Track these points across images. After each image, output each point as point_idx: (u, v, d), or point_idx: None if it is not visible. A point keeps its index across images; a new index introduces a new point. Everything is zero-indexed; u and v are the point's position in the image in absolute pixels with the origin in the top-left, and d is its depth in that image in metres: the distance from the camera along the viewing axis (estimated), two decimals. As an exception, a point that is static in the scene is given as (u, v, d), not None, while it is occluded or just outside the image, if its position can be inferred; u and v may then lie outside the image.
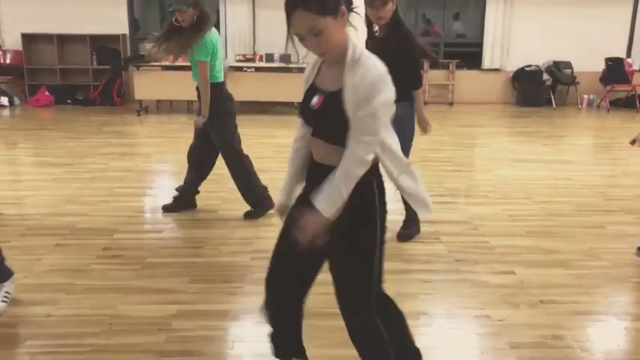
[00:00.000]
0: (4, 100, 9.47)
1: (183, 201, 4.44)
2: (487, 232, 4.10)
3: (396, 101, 1.80)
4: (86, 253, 3.63)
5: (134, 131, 7.94)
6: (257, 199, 4.35)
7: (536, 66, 10.21)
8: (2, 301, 2.88)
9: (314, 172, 1.97)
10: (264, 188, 4.38)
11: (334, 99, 1.77)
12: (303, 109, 1.92)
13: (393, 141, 1.90)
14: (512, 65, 10.37)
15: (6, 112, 9.23)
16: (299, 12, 1.69)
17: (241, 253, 3.68)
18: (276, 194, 2.11)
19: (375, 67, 1.74)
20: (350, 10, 1.77)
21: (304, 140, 2.01)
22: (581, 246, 3.85)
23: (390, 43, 3.43)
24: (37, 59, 9.95)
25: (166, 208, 4.42)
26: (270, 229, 3.98)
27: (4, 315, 2.84)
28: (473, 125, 8.60)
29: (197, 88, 4.16)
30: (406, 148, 3.58)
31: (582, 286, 3.26)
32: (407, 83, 3.45)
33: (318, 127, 1.90)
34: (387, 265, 3.40)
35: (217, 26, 10.16)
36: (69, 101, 9.82)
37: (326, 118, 1.83)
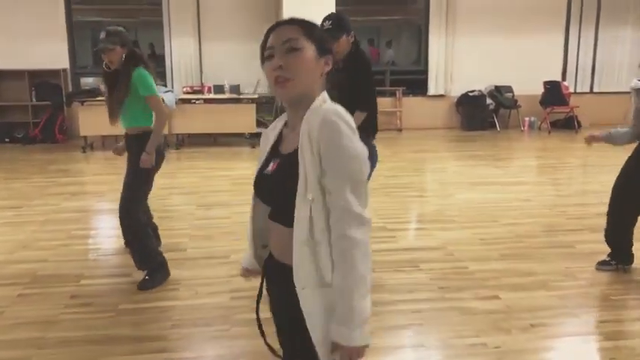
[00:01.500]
0: (-64, 141, 8.92)
1: None
2: (463, 257, 4.11)
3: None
4: (53, 303, 3.39)
5: (81, 169, 7.63)
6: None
7: (479, 91, 10.52)
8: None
9: (272, 271, 1.64)
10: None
11: (292, 160, 1.47)
12: (257, 181, 1.63)
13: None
14: (456, 91, 10.65)
15: (-62, 154, 8.68)
16: (283, 27, 1.51)
17: (220, 293, 3.53)
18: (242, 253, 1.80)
19: (338, 112, 1.45)
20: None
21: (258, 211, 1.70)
22: (556, 266, 3.91)
23: (349, 72, 3.36)
24: (-29, 97, 9.46)
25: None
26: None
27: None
28: (425, 150, 8.74)
29: (127, 135, 3.78)
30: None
31: (568, 307, 3.30)
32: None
33: (276, 203, 1.58)
34: (372, 297, 3.36)
35: (163, 59, 10.02)
36: (7, 140, 9.35)
37: (282, 187, 1.51)
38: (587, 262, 3.95)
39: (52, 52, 9.58)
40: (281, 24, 1.53)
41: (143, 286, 3.60)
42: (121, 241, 4.35)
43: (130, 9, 10.84)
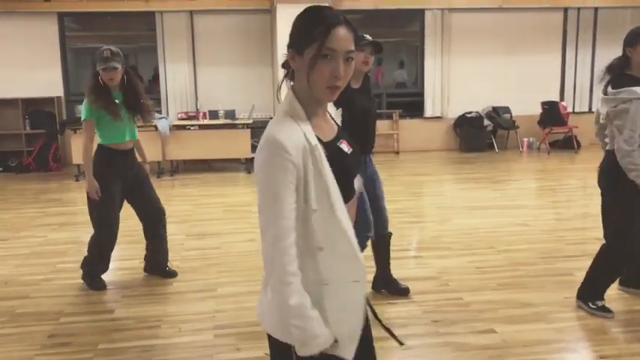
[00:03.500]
0: None
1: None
2: (458, 287, 3.97)
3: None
4: (29, 343, 3.26)
5: (73, 198, 7.51)
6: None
7: (477, 112, 10.44)
8: None
9: None
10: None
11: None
12: (347, 167, 1.56)
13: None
14: (454, 112, 10.57)
15: None
16: (344, 29, 1.47)
17: (203, 330, 3.38)
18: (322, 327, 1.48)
19: None
20: None
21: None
22: (555, 296, 3.77)
23: (368, 97, 3.61)
24: (-36, 126, 9.41)
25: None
26: (231, 300, 3.71)
27: None
28: (421, 174, 8.62)
29: (126, 150, 4.08)
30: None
31: (565, 341, 3.15)
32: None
33: (353, 177, 1.62)
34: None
35: (157, 85, 9.97)
36: (0, 169, 9.27)
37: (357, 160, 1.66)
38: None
39: (46, 80, 9.56)
40: (342, 25, 1.48)
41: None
42: (106, 275, 4.22)
43: (126, 35, 10.82)
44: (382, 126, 10.51)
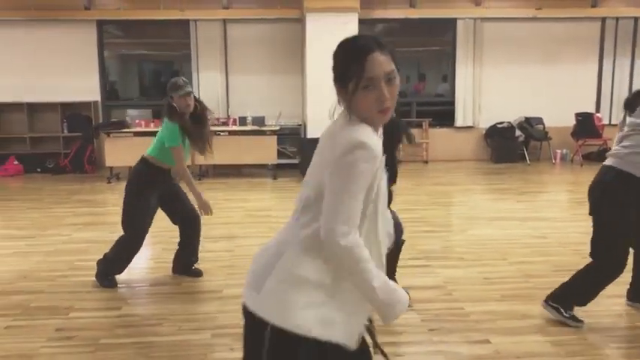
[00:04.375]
0: (-29, 171, 9.27)
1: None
2: (461, 297, 3.95)
3: None
4: (37, 336, 3.40)
5: (104, 199, 7.76)
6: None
7: (508, 122, 10.30)
8: None
9: None
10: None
11: None
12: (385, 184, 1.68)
13: None
14: (485, 122, 10.46)
15: (-28, 183, 9.01)
16: (377, 54, 1.54)
17: (202, 329, 3.47)
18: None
19: None
20: None
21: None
22: (559, 309, 3.71)
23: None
24: (6, 128, 9.83)
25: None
26: (235, 301, 3.78)
27: None
28: (448, 183, 8.56)
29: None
30: None
31: (560, 355, 3.10)
32: None
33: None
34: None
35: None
36: (38, 170, 9.65)
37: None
38: (592, 305, 3.72)
39: (84, 86, 9.90)
40: (375, 50, 1.55)
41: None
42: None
43: (162, 43, 11.12)
44: (411, 135, 10.49)
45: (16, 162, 9.54)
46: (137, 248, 4.19)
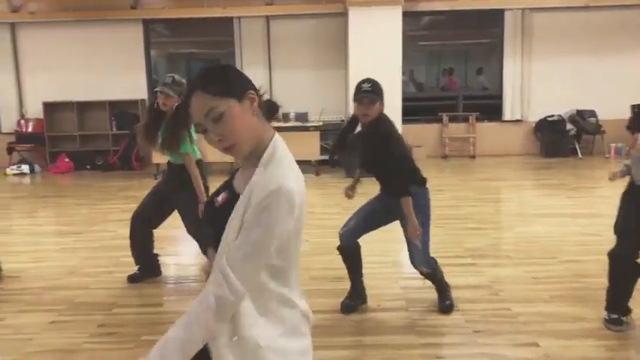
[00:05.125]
0: (25, 168, 9.57)
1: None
2: (508, 297, 3.81)
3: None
4: (80, 331, 3.45)
5: (150, 195, 7.86)
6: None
7: (559, 116, 9.97)
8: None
9: None
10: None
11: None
12: (207, 205, 1.64)
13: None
14: (534, 116, 10.16)
15: (26, 180, 9.30)
16: (197, 95, 1.45)
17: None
18: None
19: (285, 177, 1.42)
20: (259, 97, 1.54)
21: None
22: (612, 312, 3.52)
23: (370, 141, 3.38)
24: (57, 127, 10.11)
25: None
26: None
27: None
28: (495, 179, 8.33)
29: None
30: (422, 230, 3.37)
31: (614, 360, 2.94)
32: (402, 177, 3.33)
33: (216, 233, 1.51)
34: (398, 339, 3.14)
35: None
36: (88, 167, 9.89)
37: (225, 222, 1.48)
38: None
39: (131, 84, 10.09)
40: (195, 89, 1.47)
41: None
42: (163, 269, 4.41)
43: (207, 41, 11.23)
44: (457, 129, 10.29)
45: (66, 159, 9.81)
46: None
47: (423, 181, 3.47)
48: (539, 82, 10.11)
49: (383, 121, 3.37)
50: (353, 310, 3.58)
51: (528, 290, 3.93)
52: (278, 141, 1.52)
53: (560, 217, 5.88)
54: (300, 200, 1.44)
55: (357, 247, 3.60)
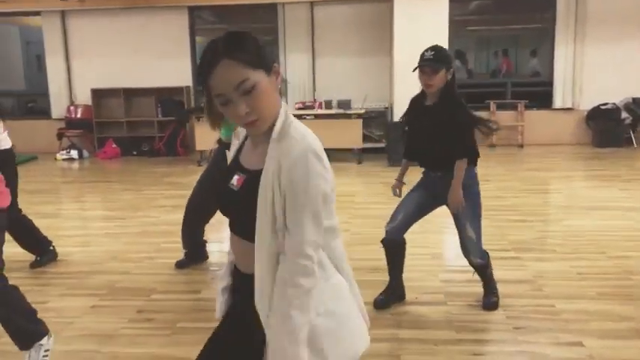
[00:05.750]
0: (74, 154, 9.83)
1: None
2: (552, 293, 3.67)
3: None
4: (119, 316, 3.50)
5: (192, 182, 7.89)
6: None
7: (613, 104, 9.57)
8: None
9: (242, 286, 1.57)
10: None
11: (258, 178, 1.43)
12: (220, 194, 1.57)
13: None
14: (586, 104, 9.76)
15: (75, 165, 9.55)
16: (223, 63, 1.36)
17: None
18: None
19: (305, 138, 1.40)
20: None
21: None
22: (664, 312, 3.36)
23: (437, 112, 3.22)
24: (105, 113, 10.33)
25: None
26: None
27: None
28: (543, 169, 8.07)
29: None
30: (474, 218, 3.28)
31: (664, 364, 2.80)
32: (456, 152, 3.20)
33: (239, 218, 1.52)
34: (435, 334, 3.08)
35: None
36: (134, 153, 10.08)
37: (249, 204, 1.43)
38: None
39: (177, 71, 10.20)
40: (221, 56, 1.41)
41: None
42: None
43: (249, 27, 11.23)
44: (505, 117, 10.00)
45: (114, 145, 10.01)
46: None
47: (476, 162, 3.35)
48: (591, 68, 9.70)
49: (453, 92, 3.23)
50: (386, 307, 3.50)
51: (574, 286, 3.79)
52: (285, 109, 1.49)
53: (611, 211, 5.64)
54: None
55: (403, 243, 3.50)
